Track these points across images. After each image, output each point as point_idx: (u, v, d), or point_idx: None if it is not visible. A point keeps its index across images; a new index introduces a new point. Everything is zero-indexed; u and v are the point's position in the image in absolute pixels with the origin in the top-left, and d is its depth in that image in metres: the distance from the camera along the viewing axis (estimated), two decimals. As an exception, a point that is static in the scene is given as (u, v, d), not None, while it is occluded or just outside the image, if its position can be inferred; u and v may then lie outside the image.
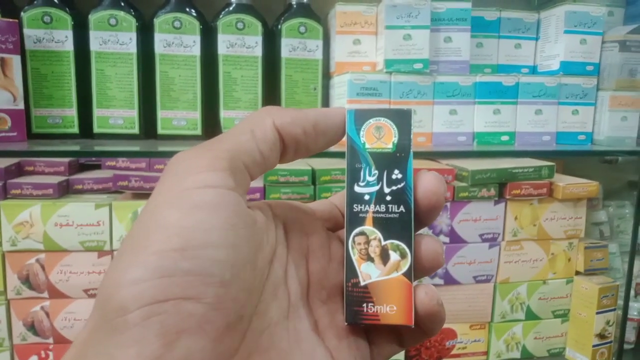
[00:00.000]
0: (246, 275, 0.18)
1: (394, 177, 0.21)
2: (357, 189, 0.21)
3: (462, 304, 0.70)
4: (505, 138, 0.72)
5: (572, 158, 0.87)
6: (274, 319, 0.19)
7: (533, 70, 0.79)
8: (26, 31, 0.65)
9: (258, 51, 0.70)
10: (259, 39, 0.70)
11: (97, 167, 0.70)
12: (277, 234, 0.21)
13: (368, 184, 0.21)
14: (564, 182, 0.70)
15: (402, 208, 0.20)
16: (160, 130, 0.69)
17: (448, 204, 0.68)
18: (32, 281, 0.60)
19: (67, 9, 0.66)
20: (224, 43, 0.69)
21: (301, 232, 0.22)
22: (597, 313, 0.70)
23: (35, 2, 0.65)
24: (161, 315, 0.15)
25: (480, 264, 0.70)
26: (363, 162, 0.21)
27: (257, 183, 0.65)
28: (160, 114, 0.69)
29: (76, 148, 0.61)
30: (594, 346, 0.71)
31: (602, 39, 0.74)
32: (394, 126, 0.21)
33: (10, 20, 0.62)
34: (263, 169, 0.20)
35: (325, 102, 0.75)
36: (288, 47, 0.71)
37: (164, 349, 0.15)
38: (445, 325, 0.71)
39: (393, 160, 0.21)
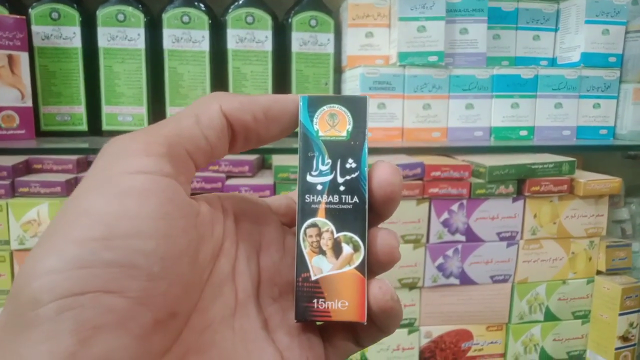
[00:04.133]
0: (182, 269, 0.16)
1: (347, 166, 0.20)
2: (309, 178, 0.20)
3: (479, 305, 0.68)
4: (523, 133, 0.70)
5: (593, 153, 0.84)
6: (217, 318, 0.18)
7: (552, 62, 0.76)
8: (34, 28, 0.64)
9: (268, 46, 0.69)
10: (268, 33, 0.68)
11: (106, 164, 0.69)
12: (225, 227, 0.20)
13: (321, 174, 0.20)
14: (585, 179, 0.67)
15: (355, 199, 0.20)
16: (169, 127, 0.68)
17: (464, 202, 0.65)
18: (40, 280, 0.59)
19: (75, 5, 0.65)
20: (234, 38, 0.68)
21: (253, 226, 0.21)
22: (620, 314, 0.68)
23: (42, -2, 0.64)
24: (77, 310, 0.14)
25: (497, 263, 0.67)
26: (316, 150, 0.20)
27: (267, 180, 0.64)
28: (169, 110, 0.68)
29: (84, 145, 0.60)
30: (616, 349, 0.69)
31: (626, 29, 0.71)
32: (349, 113, 0.20)
33: (18, 17, 0.61)
34: (210, 157, 0.19)
35: (337, 97, 0.73)
36: (299, 41, 0.70)
37: (79, 345, 0.14)
38: (461, 327, 0.69)
39: (347, 148, 0.20)
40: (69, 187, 0.61)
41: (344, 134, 0.20)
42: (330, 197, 0.20)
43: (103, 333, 0.14)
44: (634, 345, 0.70)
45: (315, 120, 0.20)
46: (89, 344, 0.14)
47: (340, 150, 0.20)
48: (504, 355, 0.71)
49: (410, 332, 0.67)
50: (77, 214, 0.15)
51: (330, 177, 0.20)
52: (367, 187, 0.20)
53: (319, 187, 0.20)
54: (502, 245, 0.67)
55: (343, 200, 0.20)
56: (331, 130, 0.20)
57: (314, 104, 0.20)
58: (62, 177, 0.61)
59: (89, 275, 0.14)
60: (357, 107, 0.20)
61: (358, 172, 0.20)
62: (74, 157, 0.64)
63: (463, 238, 0.66)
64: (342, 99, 0.20)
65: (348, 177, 0.20)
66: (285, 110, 0.20)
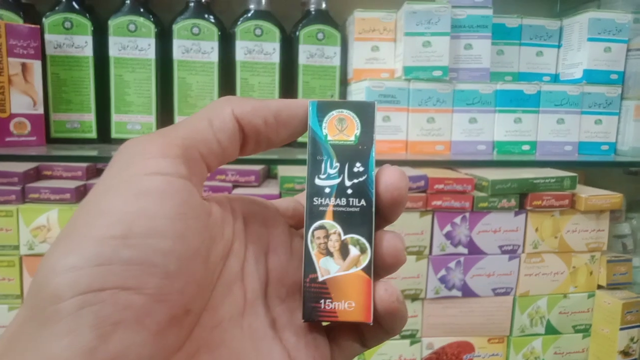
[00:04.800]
0: (195, 268, 0.17)
1: (355, 170, 0.20)
2: (317, 181, 0.20)
3: (480, 317, 0.69)
4: (526, 147, 0.71)
5: (594, 169, 0.85)
6: (226, 316, 0.19)
7: (555, 78, 0.78)
8: (47, 36, 0.65)
9: (276, 58, 0.70)
10: (276, 45, 0.70)
11: (114, 172, 0.70)
12: (235, 229, 0.20)
13: (329, 177, 0.20)
14: (587, 194, 0.68)
15: (363, 202, 0.20)
16: (177, 136, 0.69)
17: (467, 214, 0.66)
18: (48, 285, 0.60)
19: (87, 14, 0.66)
20: (242, 49, 0.69)
21: (262, 228, 0.21)
22: (621, 329, 0.68)
23: (56, 8, 0.66)
24: (97, 305, 0.14)
25: (499, 276, 0.68)
26: (324, 154, 0.20)
27: (273, 190, 0.64)
28: (178, 119, 0.69)
29: (94, 153, 0.61)
30: (617, 363, 0.69)
31: (627, 47, 0.72)
32: (357, 118, 0.21)
33: (32, 26, 0.62)
34: (221, 159, 0.19)
35: (343, 109, 0.74)
36: (306, 53, 0.71)
37: (98, 340, 0.14)
38: (463, 339, 0.69)
39: (355, 152, 0.20)
40: (79, 194, 0.62)
41: (352, 138, 0.21)
42: (338, 200, 0.20)
43: (121, 329, 0.14)
44: (634, 360, 0.70)
45: (324, 124, 0.21)
46: (108, 339, 0.14)
47: (348, 154, 0.20)
48: (504, 367, 0.72)
49: (412, 343, 0.68)
50: (96, 213, 0.16)
51: (338, 180, 0.20)
52: (374, 191, 0.20)
53: (327, 190, 0.20)
54: (504, 258, 0.68)
55: (350, 203, 0.20)
56: (340, 135, 0.21)
57: (323, 108, 0.21)
58: (72, 184, 0.62)
59: (108, 272, 0.15)
60: (365, 112, 0.21)
61: (365, 176, 0.20)
62: (84, 165, 0.65)
63: (465, 250, 0.67)
64: (351, 104, 0.21)
65: (356, 181, 0.20)
66: (295, 115, 0.20)
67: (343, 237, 0.20)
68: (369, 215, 0.20)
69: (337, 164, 0.20)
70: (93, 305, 0.14)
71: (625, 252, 0.78)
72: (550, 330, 0.71)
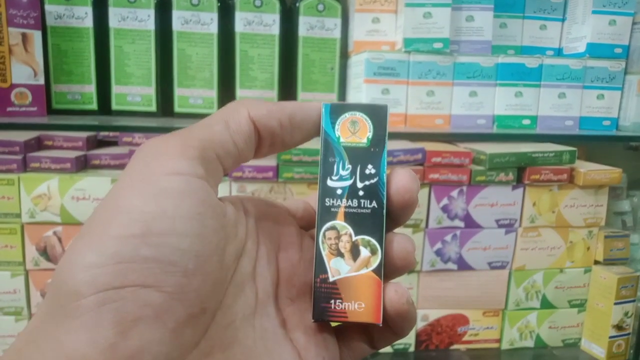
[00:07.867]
0: (212, 266, 0.17)
1: (367, 172, 0.21)
2: (329, 183, 0.21)
3: (476, 290, 0.70)
4: (526, 122, 0.70)
5: (595, 144, 0.85)
6: (239, 315, 0.19)
7: (558, 52, 0.76)
8: (47, 7, 0.65)
9: (275, 29, 0.69)
10: (276, 17, 0.69)
11: (115, 143, 0.71)
12: (247, 229, 0.20)
13: (341, 178, 0.21)
14: (585, 168, 0.68)
15: (374, 203, 0.20)
16: (177, 108, 0.69)
17: (464, 188, 0.66)
18: (49, 253, 0.61)
19: (87, -16, 0.66)
20: (242, 21, 0.69)
21: (273, 229, 0.22)
22: (615, 304, 0.69)
23: (55, -23, 0.65)
24: (117, 302, 0.15)
25: (495, 250, 0.68)
26: (337, 155, 0.21)
27: (271, 162, 0.65)
28: (177, 91, 0.69)
29: (94, 123, 0.61)
30: (610, 337, 0.70)
31: (633, 20, 0.71)
32: (369, 121, 0.21)
33: (32, -5, 0.62)
34: (237, 161, 0.20)
35: (343, 82, 0.74)
36: (306, 25, 0.70)
37: (118, 337, 0.14)
38: (458, 311, 0.70)
39: (367, 155, 0.21)
40: (79, 163, 0.63)
41: (365, 140, 0.21)
42: (350, 201, 0.20)
43: (141, 325, 0.15)
44: (628, 334, 0.71)
45: (336, 126, 0.21)
46: (128, 335, 0.15)
47: (360, 156, 0.21)
48: (499, 340, 0.73)
49: (407, 315, 0.69)
50: (116, 212, 0.16)
51: (350, 182, 0.21)
52: (385, 193, 0.20)
53: (339, 192, 0.20)
54: (500, 232, 0.68)
55: (362, 205, 0.20)
56: (352, 137, 0.21)
57: (336, 111, 0.21)
58: (72, 154, 0.63)
59: (128, 270, 0.15)
60: (377, 114, 0.21)
61: (377, 178, 0.20)
62: (84, 135, 0.66)
63: (462, 224, 0.67)
64: (363, 107, 0.21)
65: (367, 183, 0.20)
66: (308, 117, 0.21)
67: (354, 238, 0.20)
68: (380, 217, 0.20)
69: (349, 166, 0.21)
70: (113, 302, 0.15)
71: (624, 229, 0.78)
72: (546, 304, 0.72)
